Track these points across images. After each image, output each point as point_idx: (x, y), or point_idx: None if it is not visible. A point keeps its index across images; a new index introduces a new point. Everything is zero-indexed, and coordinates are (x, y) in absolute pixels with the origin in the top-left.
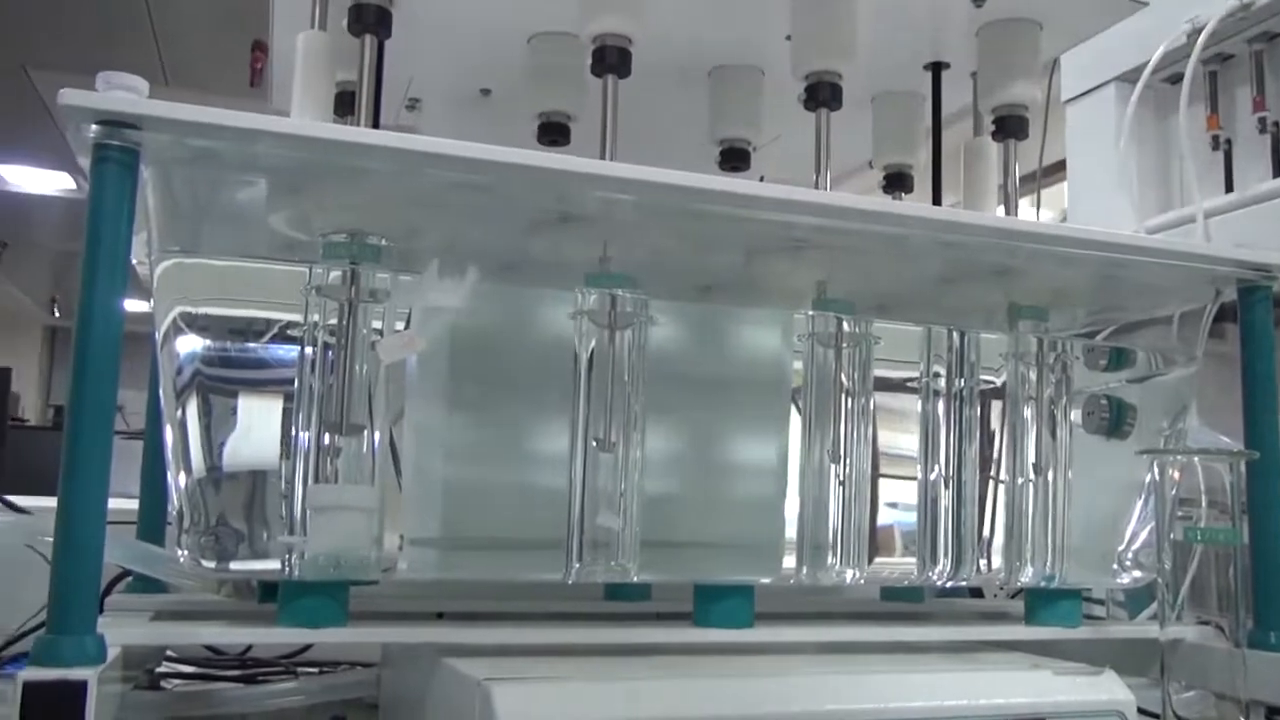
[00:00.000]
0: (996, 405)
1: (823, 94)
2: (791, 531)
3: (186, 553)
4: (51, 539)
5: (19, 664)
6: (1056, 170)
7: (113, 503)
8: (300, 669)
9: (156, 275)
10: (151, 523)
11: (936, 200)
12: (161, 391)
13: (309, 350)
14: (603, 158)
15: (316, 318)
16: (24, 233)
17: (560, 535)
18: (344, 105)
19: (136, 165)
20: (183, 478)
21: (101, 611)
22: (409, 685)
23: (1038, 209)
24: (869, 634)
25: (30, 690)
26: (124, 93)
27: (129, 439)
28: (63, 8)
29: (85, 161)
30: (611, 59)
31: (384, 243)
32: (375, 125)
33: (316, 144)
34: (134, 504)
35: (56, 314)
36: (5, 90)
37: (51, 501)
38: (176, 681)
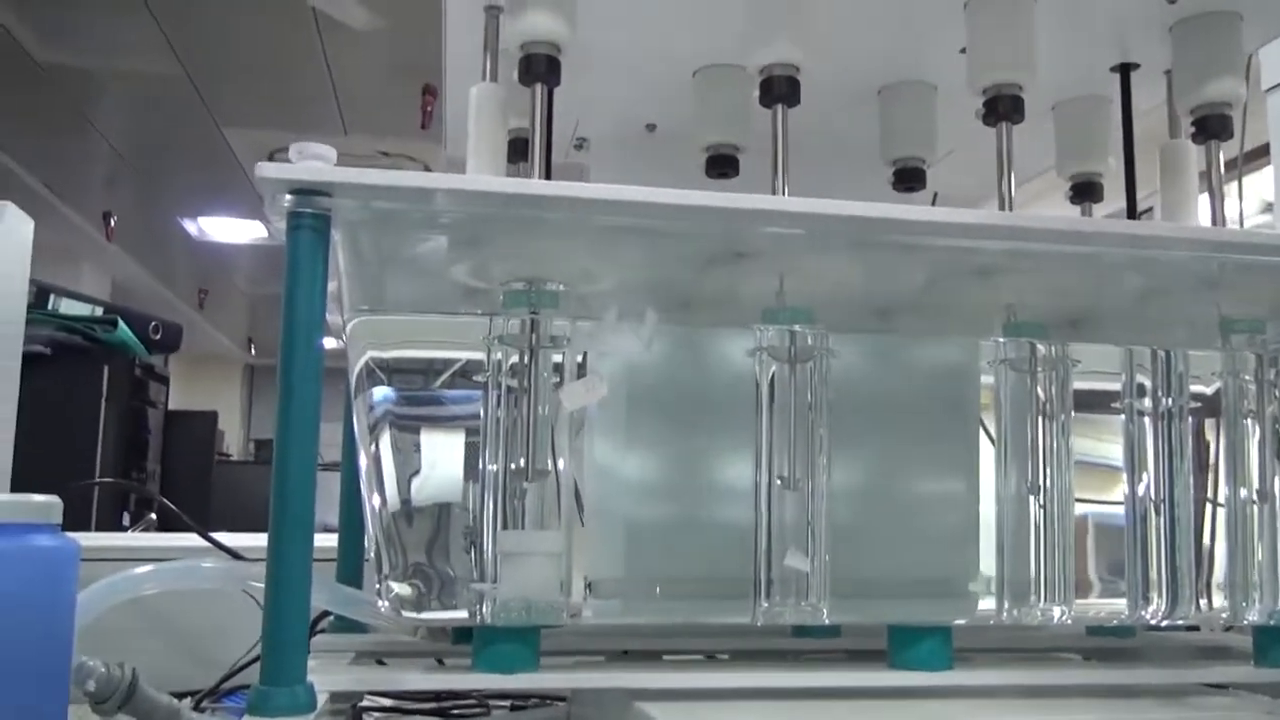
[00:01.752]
0: (1204, 426)
1: (1003, 107)
2: (987, 566)
3: (386, 603)
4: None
5: (238, 697)
6: (1255, 157)
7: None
8: (493, 703)
9: (349, 329)
10: (350, 557)
11: (1131, 209)
12: (357, 435)
13: (492, 398)
14: (774, 189)
15: (499, 365)
16: (222, 280)
17: (745, 573)
18: (517, 152)
19: (328, 229)
20: (378, 520)
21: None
22: None
23: (1240, 203)
24: (1076, 677)
25: None
26: (315, 162)
27: (325, 470)
28: (252, 70)
29: (280, 225)
30: (780, 89)
31: (561, 288)
32: (547, 171)
33: (492, 198)
34: (333, 539)
35: (253, 352)
36: (202, 149)
37: (257, 539)
38: (378, 715)
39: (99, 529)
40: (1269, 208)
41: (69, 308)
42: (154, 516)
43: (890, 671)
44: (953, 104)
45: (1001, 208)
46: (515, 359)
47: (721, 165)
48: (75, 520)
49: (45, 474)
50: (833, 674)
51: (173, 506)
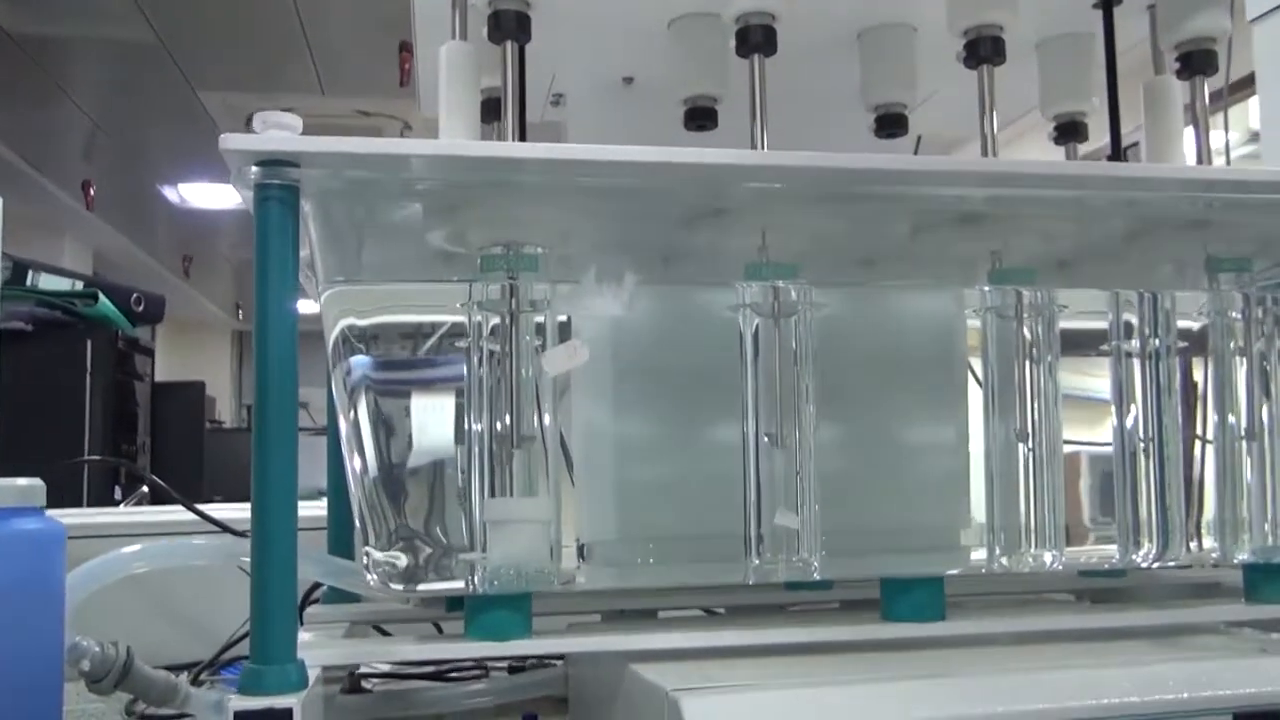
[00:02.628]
0: (1192, 365)
1: (984, 49)
2: (978, 515)
3: (374, 576)
4: None
5: (236, 668)
6: (1241, 87)
7: (304, 507)
8: (491, 665)
9: (323, 298)
10: (340, 525)
11: (1116, 148)
12: (336, 404)
13: (474, 363)
14: (754, 142)
15: (479, 332)
16: (206, 246)
17: (736, 529)
18: (490, 111)
19: (297, 201)
20: (361, 490)
21: (301, 623)
22: (597, 687)
23: (1226, 134)
24: (1068, 621)
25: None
26: (281, 132)
27: (315, 435)
28: (225, 32)
29: (249, 198)
30: (756, 39)
31: (540, 250)
32: (522, 131)
33: (466, 163)
34: (323, 506)
35: (241, 318)
36: (179, 114)
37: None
38: (376, 681)
39: (91, 504)
40: (1255, 137)
41: (48, 283)
42: (146, 490)
43: (883, 624)
44: (933, 46)
45: (984, 150)
46: (496, 322)
47: (700, 117)
48: (67, 497)
49: (31, 451)
50: (826, 629)
51: (160, 482)
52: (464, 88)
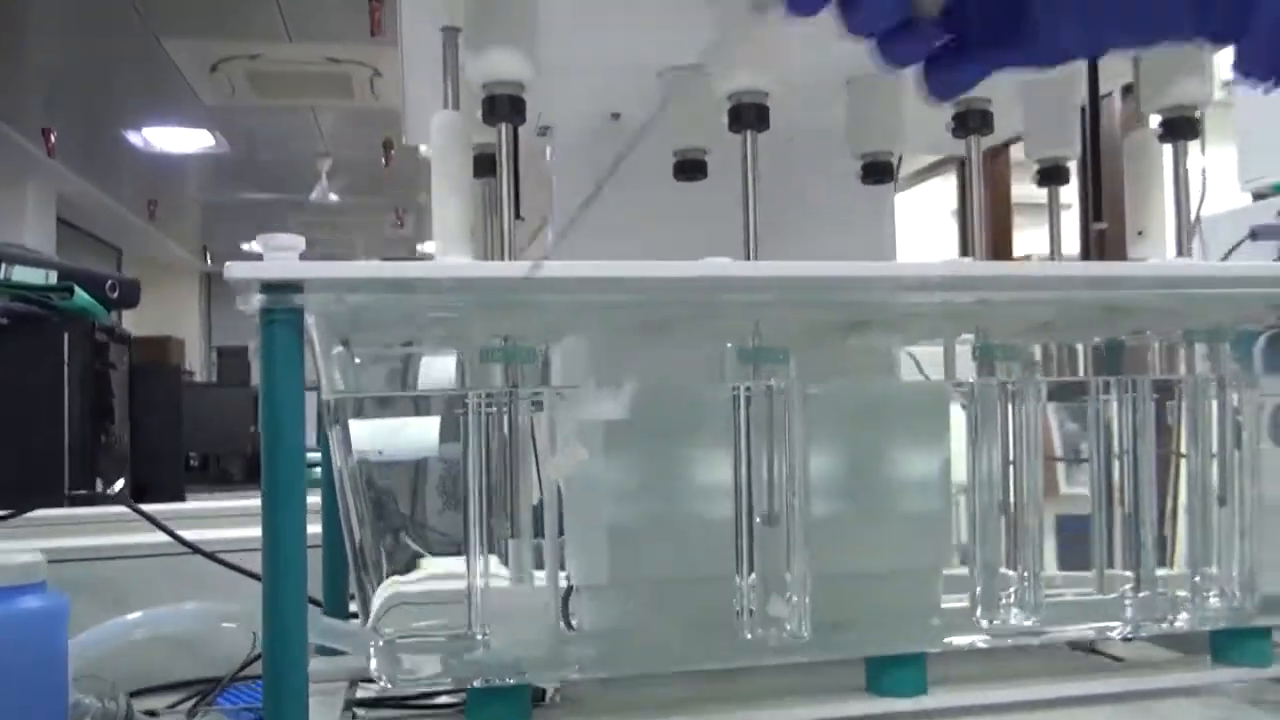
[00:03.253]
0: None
1: (973, 122)
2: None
3: (378, 670)
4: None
5: (228, 695)
6: None
7: None
8: None
9: (330, 404)
10: (335, 580)
11: (1097, 197)
12: (337, 491)
13: (474, 449)
14: (746, 217)
15: (475, 425)
16: (172, 190)
17: (725, 570)
18: (483, 168)
19: (302, 320)
20: (355, 553)
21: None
22: None
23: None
24: (1055, 690)
25: None
26: (283, 256)
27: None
28: None
29: (253, 313)
30: (750, 118)
31: (542, 347)
32: (516, 213)
33: (469, 284)
34: None
35: (209, 261)
36: (140, 60)
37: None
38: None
39: (72, 490)
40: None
41: (22, 275)
42: (122, 483)
43: (871, 698)
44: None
45: (965, 244)
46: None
47: (690, 170)
48: (49, 484)
49: (9, 446)
50: (819, 706)
51: (143, 510)
52: (455, 158)
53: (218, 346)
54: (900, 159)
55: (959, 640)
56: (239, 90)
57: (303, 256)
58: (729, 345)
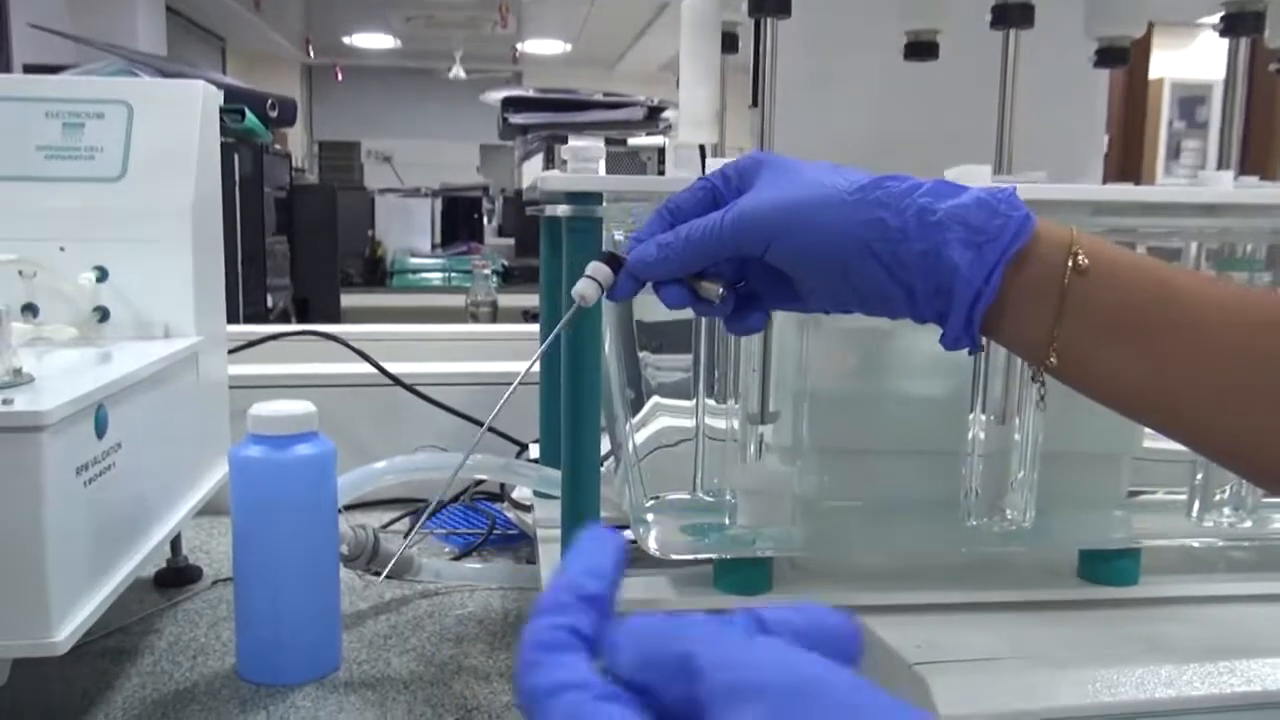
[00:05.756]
0: None
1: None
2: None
3: (649, 542)
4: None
5: (436, 520)
6: None
7: None
8: None
9: None
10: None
11: None
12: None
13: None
14: (1001, 120)
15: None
16: None
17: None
18: (728, 45)
19: (600, 230)
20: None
21: None
22: None
23: None
24: (1251, 588)
25: None
26: (589, 169)
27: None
28: None
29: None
30: (1014, 16)
31: None
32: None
33: None
34: None
35: (311, 54)
36: None
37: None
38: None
39: (246, 313)
40: None
41: None
42: (287, 306)
43: (1086, 586)
44: None
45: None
46: None
47: (922, 51)
48: (226, 303)
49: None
50: (1038, 591)
51: (359, 350)
52: (707, 44)
53: (320, 141)
54: None
55: (1175, 538)
56: None
57: (395, 52)
58: None
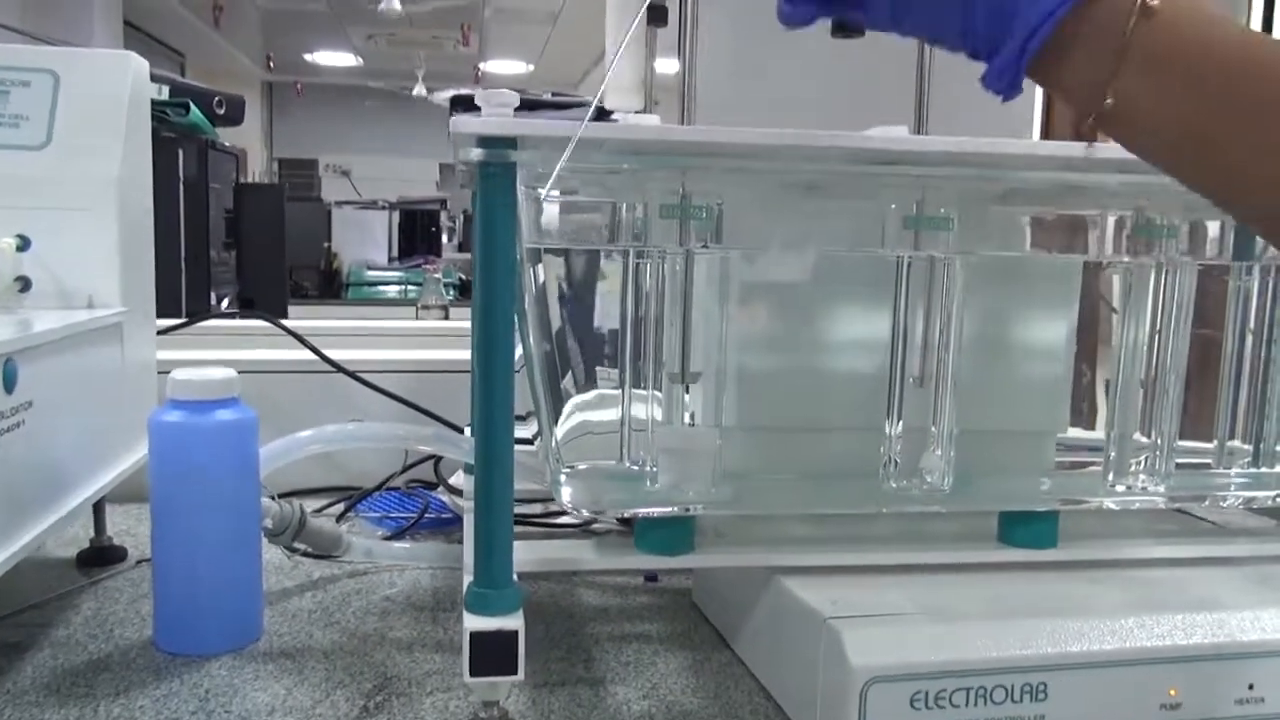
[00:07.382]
0: None
1: None
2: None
3: (562, 496)
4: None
5: (365, 504)
6: None
7: None
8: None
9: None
10: None
11: None
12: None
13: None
14: (919, 84)
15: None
16: None
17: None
18: (656, 15)
19: (514, 175)
20: (544, 416)
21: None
22: (737, 592)
23: None
24: (1174, 550)
25: (476, 639)
26: (501, 113)
27: (362, 209)
28: None
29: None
30: None
31: (716, 204)
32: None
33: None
34: None
35: (272, 69)
36: None
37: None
38: None
39: (189, 308)
40: None
41: None
42: (225, 302)
43: (1004, 548)
44: None
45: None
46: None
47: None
48: (168, 305)
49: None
50: (955, 552)
51: (296, 333)
52: (634, 11)
53: (279, 158)
54: None
55: (1092, 500)
56: None
57: (357, 70)
58: (893, 207)
